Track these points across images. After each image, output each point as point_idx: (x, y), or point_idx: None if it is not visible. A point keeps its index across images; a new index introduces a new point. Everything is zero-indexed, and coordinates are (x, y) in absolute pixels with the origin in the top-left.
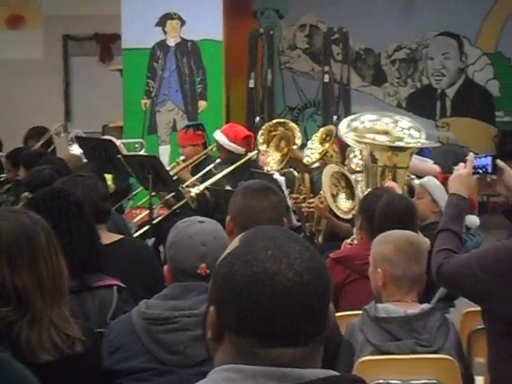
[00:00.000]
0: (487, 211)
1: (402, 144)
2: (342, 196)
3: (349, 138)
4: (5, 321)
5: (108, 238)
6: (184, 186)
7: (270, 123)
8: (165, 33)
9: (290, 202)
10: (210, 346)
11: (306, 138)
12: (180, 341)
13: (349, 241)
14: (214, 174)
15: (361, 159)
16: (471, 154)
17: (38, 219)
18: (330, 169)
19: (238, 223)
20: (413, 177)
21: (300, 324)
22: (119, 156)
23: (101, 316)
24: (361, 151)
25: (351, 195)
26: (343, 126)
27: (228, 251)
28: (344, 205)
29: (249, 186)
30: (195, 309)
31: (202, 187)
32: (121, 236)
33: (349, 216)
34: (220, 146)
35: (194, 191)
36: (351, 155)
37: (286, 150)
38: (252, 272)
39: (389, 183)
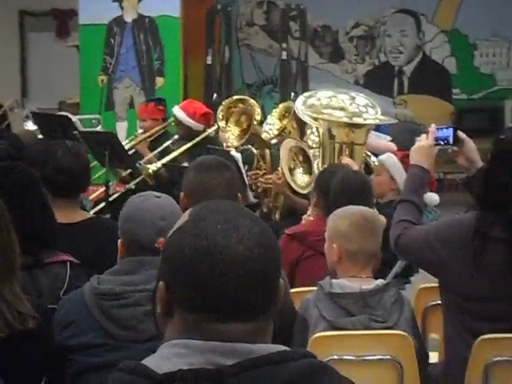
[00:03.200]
0: (444, 188)
1: (359, 120)
2: (299, 171)
3: (306, 115)
4: None
5: (79, 215)
6: (141, 162)
7: (230, 99)
8: (122, 8)
9: (247, 179)
10: (159, 321)
11: (264, 115)
12: (132, 316)
13: (305, 217)
14: (172, 151)
15: (318, 136)
16: (433, 125)
17: None
18: (288, 143)
19: (192, 200)
20: (369, 154)
21: (250, 299)
22: (75, 132)
23: (53, 292)
24: (317, 128)
25: (308, 170)
26: (299, 102)
27: (177, 226)
28: (301, 179)
29: (202, 162)
30: (148, 283)
31: (159, 164)
32: (91, 215)
33: (306, 191)
34: (178, 122)
35: (152, 168)
36: (308, 131)
37: (246, 125)
38: (201, 246)
39: (345, 159)
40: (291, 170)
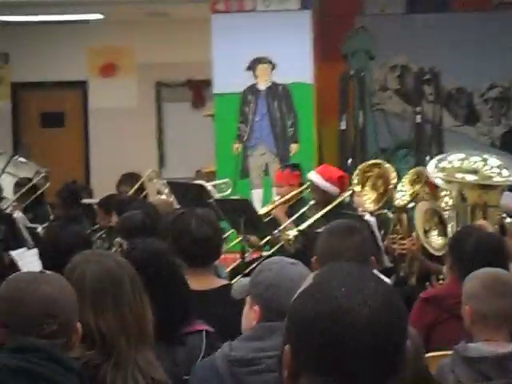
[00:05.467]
0: None
1: (491, 182)
2: (434, 233)
3: (438, 178)
4: (90, 364)
5: (214, 282)
6: (280, 229)
7: (365, 164)
8: (255, 77)
9: (381, 243)
10: None
11: (400, 179)
12: (264, 382)
13: (441, 276)
14: (308, 216)
15: (451, 198)
16: None
17: (124, 262)
18: (423, 205)
19: (323, 264)
20: (504, 215)
21: (376, 362)
22: (211, 200)
23: (190, 362)
24: (450, 191)
25: (444, 232)
26: (431, 166)
27: (302, 289)
28: (436, 242)
29: (332, 227)
30: (279, 350)
31: (297, 231)
32: (226, 281)
33: (440, 253)
34: (315, 187)
35: (292, 234)
36: (442, 194)
37: (382, 189)
38: (326, 309)
39: (480, 221)
40: (426, 232)
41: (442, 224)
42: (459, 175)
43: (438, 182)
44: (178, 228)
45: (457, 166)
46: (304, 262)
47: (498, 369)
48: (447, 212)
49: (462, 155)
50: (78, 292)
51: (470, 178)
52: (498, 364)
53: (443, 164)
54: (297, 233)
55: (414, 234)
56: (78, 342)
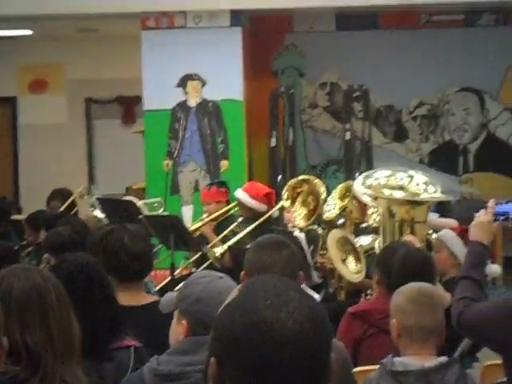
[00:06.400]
0: None
1: (419, 198)
2: (350, 259)
3: (364, 195)
4: (16, 379)
5: (146, 298)
6: (208, 246)
7: (295, 180)
8: (186, 93)
9: (310, 259)
10: None
11: (329, 195)
12: None
13: (369, 291)
14: (237, 233)
15: (379, 214)
16: (492, 200)
17: (49, 276)
18: (333, 235)
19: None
20: (430, 231)
21: (300, 373)
22: (140, 216)
23: (118, 378)
24: (377, 208)
25: (358, 257)
26: (358, 183)
27: (227, 301)
28: (354, 268)
29: (260, 241)
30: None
31: (225, 246)
32: (156, 298)
33: (359, 279)
34: (241, 204)
35: (219, 251)
36: (370, 211)
37: (312, 205)
38: (251, 321)
39: (407, 237)
40: (344, 261)
41: (355, 250)
42: (387, 191)
43: (365, 198)
44: (111, 244)
45: (383, 182)
46: (233, 278)
47: (423, 382)
48: (373, 227)
49: (389, 172)
50: (3, 306)
51: (398, 194)
52: (423, 377)
53: (370, 181)
54: (224, 249)
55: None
56: (4, 357)
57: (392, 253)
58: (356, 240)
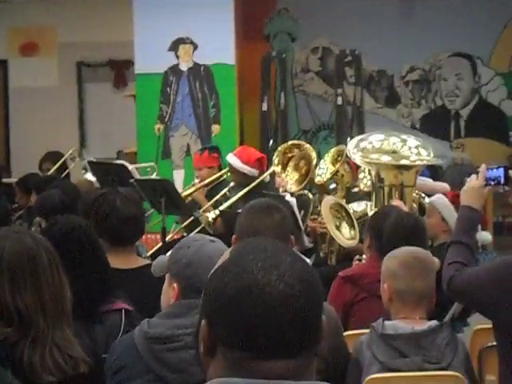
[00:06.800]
0: (503, 232)
1: (405, 162)
2: (344, 225)
3: (356, 157)
4: (7, 341)
5: (137, 261)
6: (200, 211)
7: (285, 145)
8: (177, 57)
9: (302, 224)
10: (203, 360)
11: (320, 160)
12: (183, 359)
13: (357, 257)
14: (229, 198)
15: (370, 179)
16: (483, 165)
17: (41, 239)
18: (327, 201)
19: None
20: (423, 195)
21: (292, 335)
22: (132, 180)
23: (108, 341)
24: (369, 171)
25: (352, 223)
26: (351, 145)
27: (219, 264)
28: (348, 233)
29: (252, 205)
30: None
31: (217, 211)
32: (148, 261)
33: (353, 244)
34: (233, 169)
35: (211, 216)
36: (361, 175)
37: (304, 170)
38: (242, 284)
39: (395, 201)
40: (338, 227)
41: (348, 216)
42: (375, 155)
43: (357, 161)
44: (102, 207)
45: (377, 146)
46: (225, 243)
47: (413, 346)
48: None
49: (382, 136)
50: None
51: (386, 158)
52: (413, 341)
53: (363, 144)
54: (216, 214)
55: (321, 219)
56: None
57: (383, 217)
58: (349, 206)
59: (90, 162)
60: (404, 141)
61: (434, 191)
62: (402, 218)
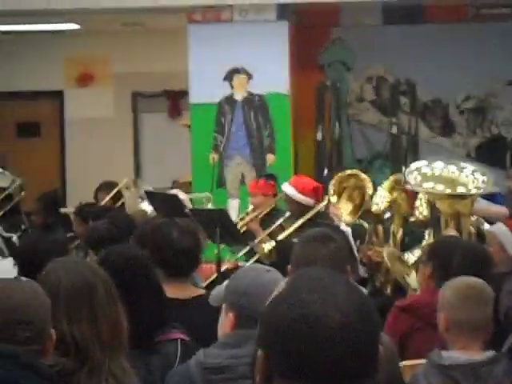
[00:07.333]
0: None
1: (462, 190)
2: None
3: (411, 179)
4: (64, 371)
5: (193, 291)
6: (256, 241)
7: (342, 174)
8: (232, 87)
9: (357, 254)
10: None
11: (375, 189)
12: None
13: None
14: (285, 228)
15: (427, 207)
16: None
17: (98, 270)
18: (392, 255)
19: None
20: (482, 221)
21: (349, 366)
22: (187, 210)
23: (165, 371)
24: (426, 199)
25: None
26: (408, 174)
27: (275, 294)
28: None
29: (307, 235)
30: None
31: (273, 242)
32: (203, 291)
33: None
34: (289, 199)
35: (267, 247)
36: (417, 203)
37: (358, 200)
38: (298, 314)
39: (449, 231)
40: (407, 275)
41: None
42: (430, 184)
43: (412, 183)
44: (159, 238)
45: (436, 174)
46: (279, 271)
47: (471, 376)
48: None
49: (441, 164)
50: (52, 299)
51: (440, 187)
52: (471, 371)
53: (424, 169)
54: (272, 245)
55: (390, 241)
56: (52, 349)
57: (449, 247)
58: (407, 257)
59: (146, 192)
60: (462, 168)
61: (490, 213)
62: (471, 251)
